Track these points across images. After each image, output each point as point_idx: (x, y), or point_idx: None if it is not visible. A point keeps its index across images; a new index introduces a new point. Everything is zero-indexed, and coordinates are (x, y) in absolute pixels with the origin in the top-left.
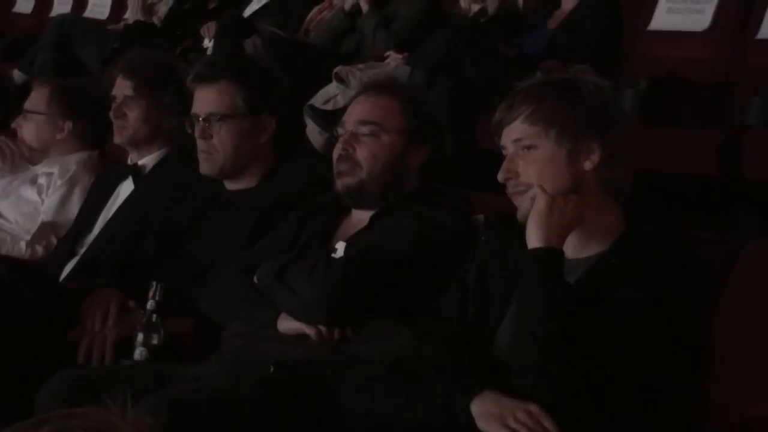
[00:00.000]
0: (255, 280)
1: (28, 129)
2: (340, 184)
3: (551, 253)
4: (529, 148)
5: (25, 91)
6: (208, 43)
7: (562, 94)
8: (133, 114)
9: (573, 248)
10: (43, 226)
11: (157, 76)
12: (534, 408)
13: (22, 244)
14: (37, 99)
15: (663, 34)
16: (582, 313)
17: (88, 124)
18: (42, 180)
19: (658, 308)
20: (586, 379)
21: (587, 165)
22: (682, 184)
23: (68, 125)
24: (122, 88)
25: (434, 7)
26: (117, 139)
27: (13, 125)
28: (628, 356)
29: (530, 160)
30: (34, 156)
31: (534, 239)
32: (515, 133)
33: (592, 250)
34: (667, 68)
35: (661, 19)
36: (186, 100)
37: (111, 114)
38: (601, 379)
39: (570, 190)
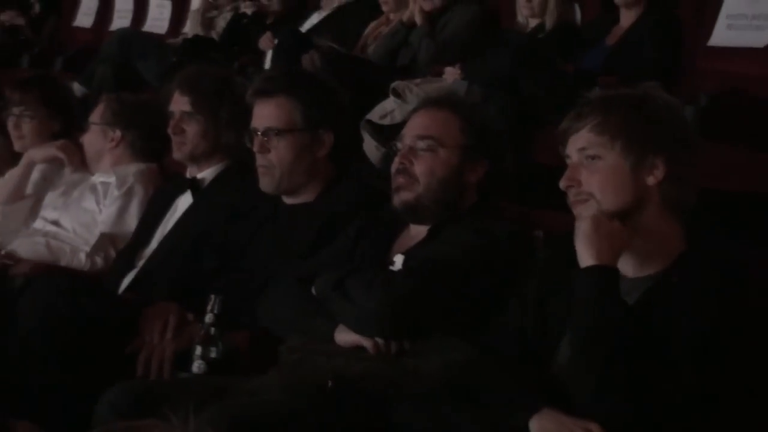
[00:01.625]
0: (313, 291)
1: (85, 139)
2: (398, 200)
3: (604, 270)
4: (593, 157)
5: (84, 104)
6: (269, 55)
7: (632, 107)
8: (192, 130)
9: (633, 267)
10: (102, 237)
11: (214, 91)
12: (594, 427)
13: (82, 256)
14: (95, 111)
15: (723, 50)
16: (641, 333)
17: (140, 136)
18: (99, 188)
19: (718, 330)
20: (645, 399)
21: (650, 180)
22: (742, 202)
23: (117, 134)
24: (180, 104)
25: (490, 22)
26: (176, 155)
27: (80, 140)
28: (687, 377)
29: (594, 170)
30: (91, 165)
31: (585, 258)
32: (581, 141)
33: (653, 269)
34: (727, 84)
35: (721, 35)
36: (244, 114)
37: (169, 130)
38: (659, 399)
39: (631, 204)
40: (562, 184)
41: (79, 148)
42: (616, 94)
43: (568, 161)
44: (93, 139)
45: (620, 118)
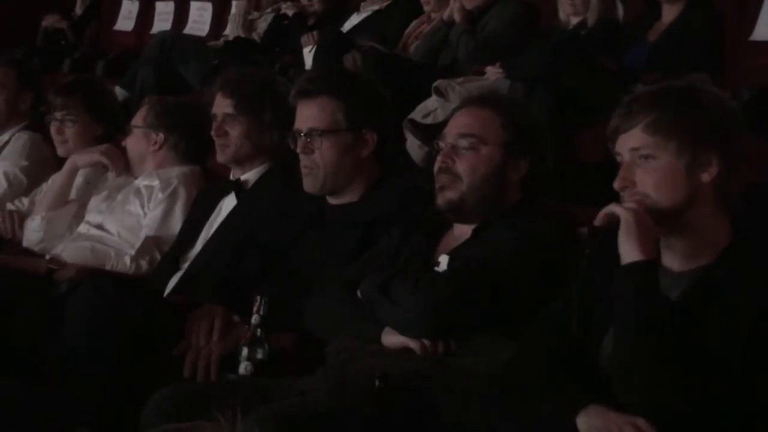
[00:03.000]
0: (358, 294)
1: (128, 142)
2: (441, 199)
3: (648, 265)
4: (646, 157)
5: (126, 107)
6: (308, 53)
7: (683, 104)
8: (235, 132)
9: (680, 261)
10: (147, 240)
11: (257, 93)
12: (641, 423)
13: (127, 259)
14: (138, 114)
15: (765, 44)
16: (687, 327)
17: (183, 138)
18: (143, 191)
19: (764, 322)
20: (692, 393)
21: (705, 177)
22: None
23: (160, 137)
24: (222, 106)
25: (531, 20)
26: (220, 158)
27: (123, 143)
28: (732, 370)
29: (648, 170)
30: (134, 168)
31: (631, 253)
32: (633, 141)
33: (699, 262)
34: None
35: (764, 30)
36: (286, 115)
37: (212, 133)
38: (706, 393)
39: (686, 202)
40: (617, 185)
41: (122, 151)
42: (666, 89)
43: (619, 159)
44: (136, 142)
45: (673, 116)
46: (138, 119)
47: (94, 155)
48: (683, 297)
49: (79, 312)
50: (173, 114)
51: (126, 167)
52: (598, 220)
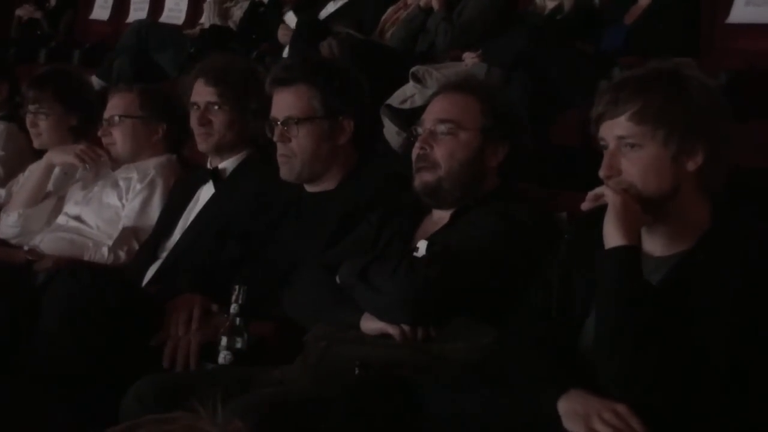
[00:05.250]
0: (337, 280)
1: (122, 133)
2: (419, 180)
3: (632, 250)
4: (633, 146)
5: (103, 97)
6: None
7: (670, 92)
8: (218, 120)
9: (662, 246)
10: (125, 230)
11: (241, 81)
12: (621, 408)
13: (105, 250)
14: (126, 104)
15: (741, 27)
16: (668, 311)
17: (176, 128)
18: (121, 183)
19: (745, 306)
20: (674, 377)
21: (690, 166)
22: (762, 179)
23: (163, 127)
24: (205, 94)
25: (507, 4)
26: (201, 147)
27: (99, 134)
28: (712, 353)
29: (634, 159)
30: (126, 158)
31: (616, 238)
32: (620, 129)
33: (680, 247)
34: (746, 62)
35: (740, 12)
36: (269, 103)
37: (195, 122)
38: (688, 376)
39: (671, 190)
40: (602, 173)
41: (97, 142)
42: (652, 75)
43: (603, 143)
44: (134, 132)
45: (660, 105)
46: (132, 109)
47: (69, 156)
48: (663, 282)
49: (56, 303)
50: (169, 103)
51: (106, 157)
52: (586, 203)
